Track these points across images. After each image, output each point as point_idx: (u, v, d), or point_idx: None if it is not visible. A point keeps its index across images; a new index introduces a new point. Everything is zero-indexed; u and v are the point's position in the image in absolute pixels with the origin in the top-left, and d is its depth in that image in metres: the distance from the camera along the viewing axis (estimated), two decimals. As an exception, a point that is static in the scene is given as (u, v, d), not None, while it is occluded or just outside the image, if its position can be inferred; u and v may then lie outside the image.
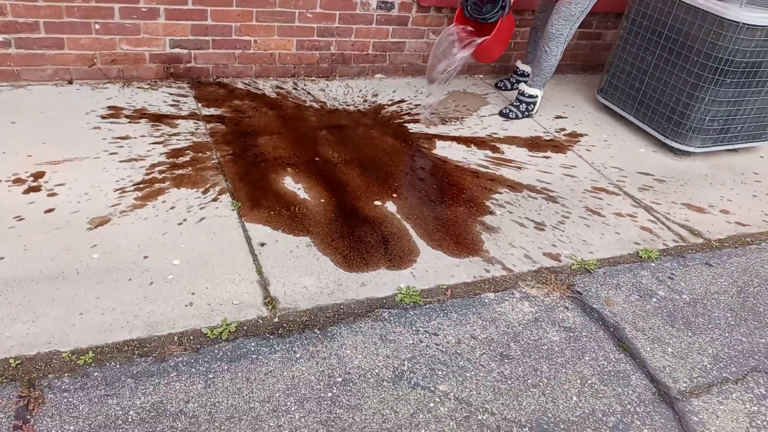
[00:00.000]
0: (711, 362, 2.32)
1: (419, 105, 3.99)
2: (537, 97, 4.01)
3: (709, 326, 2.50)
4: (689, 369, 2.28)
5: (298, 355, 2.07)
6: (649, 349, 2.34)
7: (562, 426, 1.98)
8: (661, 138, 3.88)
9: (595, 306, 2.50)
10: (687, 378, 2.23)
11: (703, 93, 3.62)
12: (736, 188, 3.60)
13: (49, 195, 2.64)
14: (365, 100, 3.95)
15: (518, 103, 4.04)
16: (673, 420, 2.07)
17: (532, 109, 4.05)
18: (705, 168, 3.78)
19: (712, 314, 2.56)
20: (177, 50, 3.72)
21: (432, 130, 3.71)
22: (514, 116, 4.01)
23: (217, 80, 3.89)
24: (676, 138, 3.80)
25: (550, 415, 2.01)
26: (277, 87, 3.93)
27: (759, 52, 3.52)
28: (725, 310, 2.60)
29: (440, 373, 2.09)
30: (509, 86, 4.43)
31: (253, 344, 2.09)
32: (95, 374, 1.91)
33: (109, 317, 2.10)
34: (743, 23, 3.35)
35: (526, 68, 4.29)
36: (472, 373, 2.11)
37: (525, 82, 4.06)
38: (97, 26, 3.47)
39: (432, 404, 1.98)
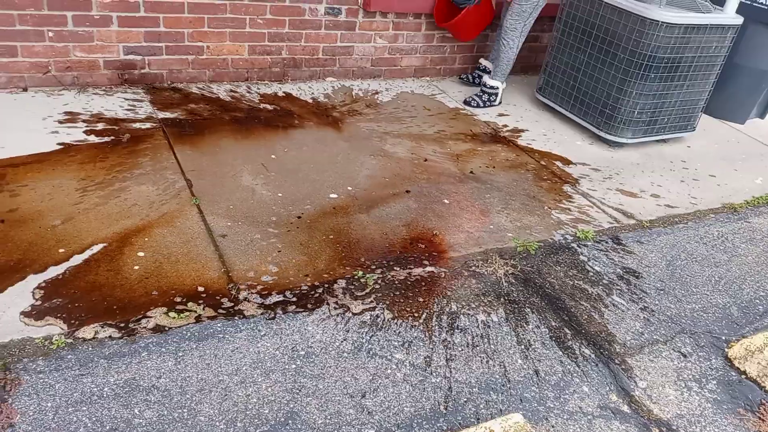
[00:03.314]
0: (643, 326, 2.56)
1: (369, 105, 4.18)
2: (498, 88, 4.34)
3: (641, 296, 2.73)
4: (623, 333, 2.50)
5: (262, 333, 2.21)
6: (586, 317, 2.55)
7: (508, 386, 2.17)
8: (596, 131, 4.16)
9: (537, 281, 2.71)
10: (621, 340, 2.46)
11: (630, 87, 3.91)
12: (665, 175, 3.89)
13: (11, 196, 2.70)
14: (316, 101, 4.11)
15: (481, 94, 4.38)
16: (609, 376, 2.28)
17: (494, 100, 4.38)
18: (637, 157, 4.07)
19: (643, 285, 2.80)
20: (131, 56, 3.80)
21: (383, 128, 3.89)
22: (475, 104, 4.39)
23: (172, 85, 3.98)
24: (609, 130, 4.09)
25: (497, 376, 2.20)
26: (231, 91, 4.05)
27: (679, 48, 3.84)
28: (655, 281, 2.84)
29: (396, 343, 2.25)
30: (471, 80, 4.75)
31: (219, 325, 2.21)
32: (69, 357, 2.00)
33: (78, 305, 2.19)
34: (663, 22, 3.66)
35: (488, 64, 4.61)
36: (425, 342, 2.28)
37: (488, 75, 4.38)
38: (50, 34, 3.53)
39: (389, 370, 2.14)
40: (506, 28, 4.14)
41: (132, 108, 3.62)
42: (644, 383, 2.28)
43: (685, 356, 2.44)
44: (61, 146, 3.13)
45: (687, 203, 3.59)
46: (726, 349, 2.51)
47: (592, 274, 2.82)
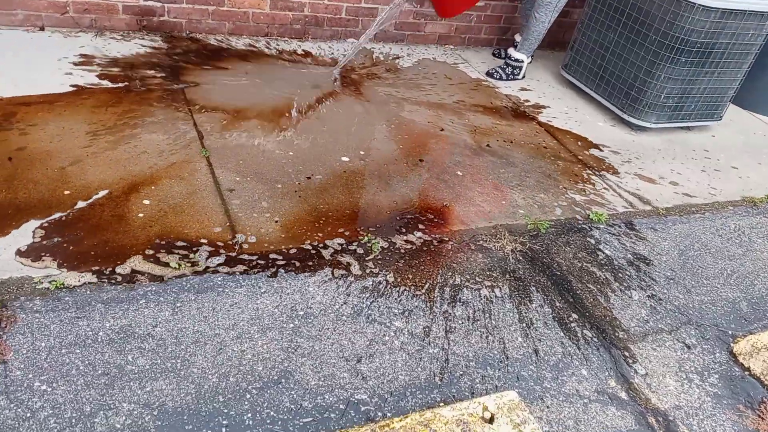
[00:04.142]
0: (649, 314, 2.51)
1: (389, 70, 4.09)
2: (523, 61, 4.24)
3: (650, 283, 2.68)
4: (628, 319, 2.45)
5: (263, 290, 2.18)
6: (591, 300, 2.51)
7: (505, 362, 2.14)
8: (619, 113, 4.05)
9: (545, 260, 2.66)
10: (625, 327, 2.41)
11: (659, 70, 3.79)
12: (686, 163, 3.79)
13: (20, 134, 2.68)
14: (336, 62, 4.03)
15: (505, 66, 4.27)
16: (609, 362, 2.24)
17: (518, 73, 4.28)
18: (659, 143, 3.97)
19: (652, 272, 2.75)
20: (150, 2, 3.73)
21: (401, 94, 3.81)
22: (498, 77, 4.28)
23: (190, 35, 3.92)
24: (633, 113, 3.98)
25: (495, 352, 2.17)
26: (250, 45, 3.98)
27: (713, 34, 3.70)
28: (666, 269, 2.78)
29: (396, 311, 2.22)
30: (504, 54, 4.62)
31: (219, 279, 2.19)
32: (66, 298, 1.99)
33: (79, 248, 2.18)
34: (699, 4, 3.52)
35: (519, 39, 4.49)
36: (425, 312, 2.25)
37: (514, 47, 4.27)
38: (70, -27, 3.47)
39: (387, 338, 2.11)
40: (541, 1, 4.01)
41: (150, 53, 3.56)
42: (644, 371, 2.24)
43: (689, 348, 2.40)
44: (74, 88, 3.10)
45: (706, 193, 3.50)
46: (731, 344, 2.46)
47: (601, 257, 2.76)
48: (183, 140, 2.89)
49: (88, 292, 2.03)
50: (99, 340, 1.88)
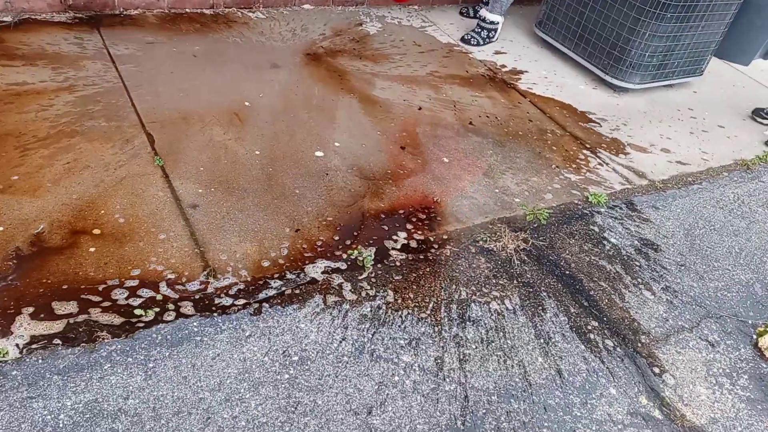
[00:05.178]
0: (667, 311, 2.32)
1: (353, 39, 3.71)
2: (498, 23, 3.95)
3: (662, 273, 2.49)
4: (647, 319, 2.26)
5: (247, 334, 1.88)
6: (606, 301, 2.30)
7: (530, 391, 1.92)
8: (601, 74, 3.80)
9: (551, 258, 2.43)
10: (646, 329, 2.22)
11: (643, 28, 3.53)
12: (674, 125, 3.59)
13: (-67, 157, 2.25)
14: (294, 34, 3.62)
15: (479, 30, 3.96)
16: (636, 374, 2.05)
17: (494, 36, 4.00)
18: (643, 104, 3.75)
19: (662, 260, 2.56)
20: (75, -22, 3.23)
21: (370, 68, 3.46)
22: (475, 42, 3.96)
23: (125, 13, 3.44)
24: (616, 74, 3.73)
25: (516, 379, 1.94)
26: (193, 21, 3.53)
27: (699, -15, 3.45)
28: (675, 255, 2.60)
29: (402, 342, 1.96)
30: (473, 14, 4.31)
31: (195, 324, 1.88)
32: (14, 373, 1.65)
33: (22, 303, 1.82)
34: (688, -45, 3.25)
35: None
36: (434, 339, 2.00)
37: (486, 8, 3.95)
38: (-27, -52, 2.94)
39: (397, 378, 1.85)
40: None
41: (78, 41, 3.10)
42: (673, 381, 2.06)
43: (712, 345, 2.23)
44: (-6, 91, 2.64)
45: (699, 159, 3.32)
46: (755, 336, 2.30)
47: (608, 247, 2.55)
48: (130, 147, 2.50)
49: (40, 361, 1.69)
50: (61, 425, 1.56)
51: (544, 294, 2.26)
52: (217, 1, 3.66)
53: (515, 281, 2.28)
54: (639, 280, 2.42)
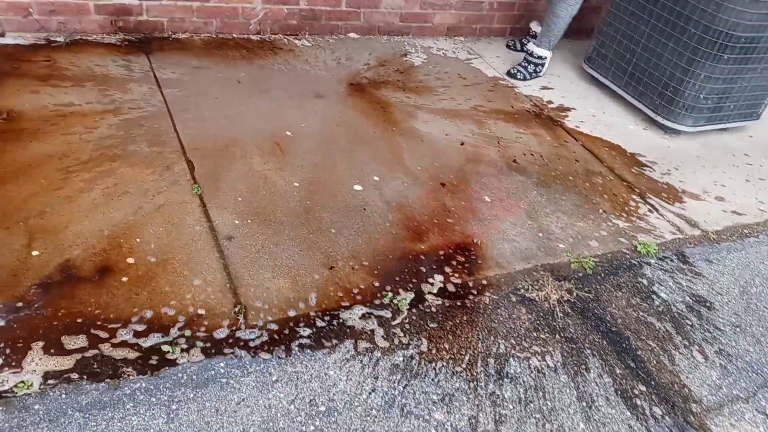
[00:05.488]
0: (720, 376, 2.17)
1: (398, 70, 3.67)
2: (546, 58, 3.87)
3: (715, 334, 2.34)
4: (699, 385, 2.11)
5: (274, 378, 1.81)
6: (655, 362, 2.16)
7: (569, 457, 1.80)
8: (652, 114, 3.67)
9: (596, 311, 2.31)
10: (697, 396, 2.07)
11: (699, 68, 3.40)
12: (728, 171, 3.43)
13: (-24, 176, 2.26)
14: (338, 63, 3.60)
15: (526, 64, 3.87)
16: (684, 445, 1.91)
17: (540, 71, 3.91)
18: (696, 148, 3.60)
19: (716, 320, 2.41)
20: (127, 0, 3.27)
21: (413, 101, 3.40)
22: (522, 77, 3.87)
23: (173, 36, 3.46)
24: (668, 115, 3.60)
25: (556, 444, 1.83)
26: (240, 46, 3.53)
27: (759, 27, 3.31)
28: (729, 314, 2.44)
29: (434, 397, 1.87)
30: (519, 47, 4.23)
31: (222, 365, 1.82)
32: (36, 407, 1.61)
33: (50, 334, 1.79)
34: (750, -3, 3.12)
35: (538, 29, 4.07)
36: (469, 396, 1.89)
37: (533, 42, 3.87)
38: (31, -30, 3.00)
39: (428, 436, 1.76)
40: (559, -7, 3.59)
41: (126, 63, 3.12)
42: (726, 455, 1.91)
43: (769, 417, 2.07)
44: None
45: (755, 209, 3.15)
46: (816, 410, 2.13)
47: (658, 303, 2.41)
48: (170, 174, 2.48)
49: (63, 396, 1.65)
50: (77, 468, 1.51)
51: (588, 351, 2.14)
52: (263, 27, 3.67)
53: (557, 336, 2.17)
54: (690, 340, 2.28)
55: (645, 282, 2.50)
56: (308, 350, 1.91)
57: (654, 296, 2.44)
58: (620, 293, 2.42)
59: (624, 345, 2.19)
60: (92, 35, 3.28)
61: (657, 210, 2.96)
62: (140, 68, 3.10)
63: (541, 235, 2.62)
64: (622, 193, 3.02)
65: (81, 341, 1.78)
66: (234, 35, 3.63)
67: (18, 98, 2.70)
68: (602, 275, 2.48)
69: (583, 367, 2.07)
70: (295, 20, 3.73)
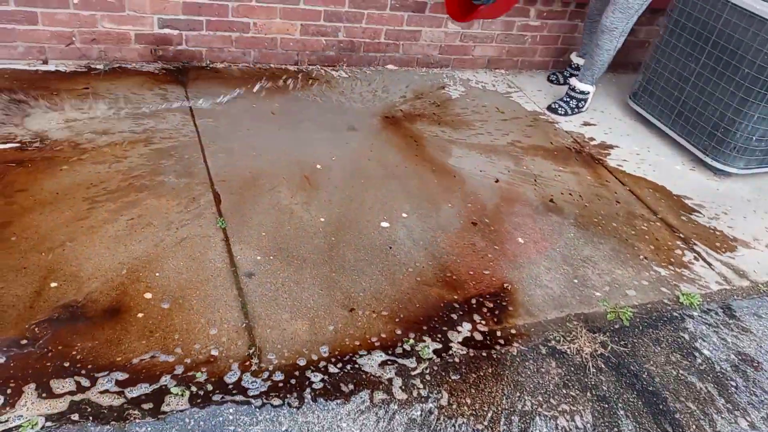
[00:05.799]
0: (767, 447, 1.99)
1: (434, 103, 3.61)
2: (588, 93, 3.74)
3: (762, 398, 2.16)
4: (742, 455, 1.95)
5: (284, 429, 1.73)
6: (694, 427, 2.00)
7: None
8: (700, 155, 3.50)
9: (632, 368, 2.16)
10: (740, 468, 1.91)
11: (752, 110, 3.23)
12: (782, 218, 3.23)
13: (6, 203, 2.27)
14: (374, 95, 3.56)
15: (568, 99, 3.75)
16: None
17: (583, 106, 3.78)
18: (747, 192, 3.41)
19: (763, 382, 2.22)
20: (166, 30, 3.31)
21: (448, 135, 3.32)
22: (563, 112, 3.75)
23: (211, 65, 3.49)
24: (718, 156, 3.42)
25: None
26: (277, 77, 3.53)
27: (819, 68, 3.13)
28: (779, 376, 2.26)
29: (453, 456, 1.76)
30: (562, 80, 4.11)
31: (231, 410, 1.75)
32: (37, 449, 1.57)
33: (60, 371, 1.75)
34: (809, 36, 2.95)
35: (581, 61, 3.96)
36: (491, 456, 1.78)
37: (576, 76, 3.75)
38: (75, 0, 3.05)
39: (443, 501, 1.65)
40: (606, 26, 3.47)
41: (163, 92, 3.14)
42: None
43: (823, 497, 1.88)
44: (72, 139, 2.68)
45: (811, 260, 2.94)
46: None
47: (700, 361, 2.25)
48: (196, 206, 2.46)
49: (67, 438, 1.60)
50: None
51: (622, 413, 1.99)
52: (301, 58, 3.67)
53: (589, 393, 2.03)
54: (734, 404, 2.11)
55: (687, 337, 2.34)
56: (321, 399, 1.83)
57: (696, 353, 2.28)
58: (659, 348, 2.26)
59: (661, 407, 2.04)
60: (131, 63, 3.32)
61: (703, 257, 2.79)
62: (176, 97, 3.12)
63: (576, 281, 2.49)
64: (665, 239, 2.86)
65: (93, 380, 1.74)
66: (272, 65, 3.63)
67: (54, 125, 2.73)
68: (640, 328, 2.33)
69: (615, 429, 1.93)
70: (333, 51, 3.72)
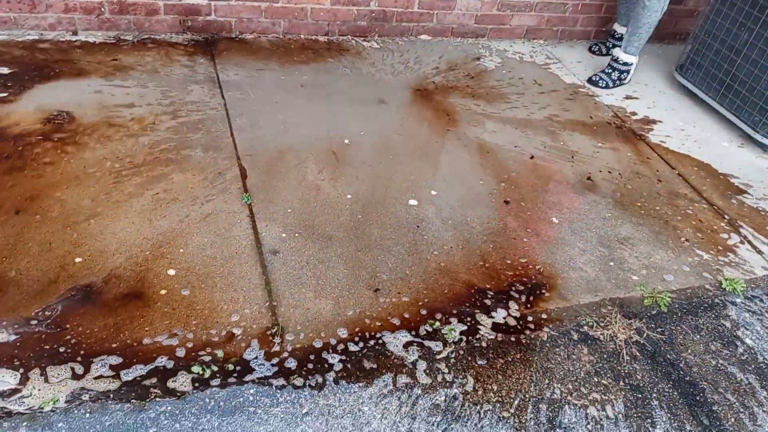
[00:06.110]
0: (812, 444, 1.89)
1: (468, 75, 3.49)
2: (632, 64, 3.58)
3: (809, 391, 2.04)
4: (784, 451, 1.85)
5: (305, 411, 1.70)
6: (733, 420, 1.90)
7: None
8: (750, 131, 3.31)
9: (669, 356, 2.06)
10: (782, 465, 1.81)
11: (809, 82, 3.03)
12: (836, 199, 3.04)
13: (34, 177, 2.27)
14: (407, 67, 3.45)
15: (610, 71, 3.59)
16: None
17: (625, 78, 3.62)
18: (799, 170, 3.22)
19: (811, 373, 2.11)
20: (195, 1, 3.25)
21: (482, 108, 3.21)
22: (604, 85, 3.59)
23: (240, 37, 3.43)
24: (769, 133, 3.24)
25: None
26: (307, 48, 3.45)
27: None
28: (828, 368, 2.13)
29: (477, 445, 1.70)
30: (604, 51, 3.94)
31: (252, 391, 1.73)
32: (59, 425, 1.58)
33: (82, 347, 1.75)
34: None
35: (622, 30, 3.77)
36: (516, 445, 1.72)
37: (619, 47, 3.58)
38: (103, -30, 3.02)
39: (465, 490, 1.60)
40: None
41: (191, 64, 3.10)
42: None
43: None
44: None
45: None
46: None
47: (741, 350, 2.14)
48: (222, 180, 2.42)
49: (87, 416, 1.60)
50: (91, 496, 1.45)
51: (656, 403, 1.90)
52: (332, 28, 3.58)
53: (622, 382, 1.95)
54: (778, 397, 2.00)
55: (728, 325, 2.23)
56: (343, 381, 1.79)
57: (738, 342, 2.17)
58: (698, 336, 2.16)
59: (698, 398, 1.94)
60: (161, 34, 3.29)
61: (749, 241, 2.65)
62: (204, 69, 3.08)
63: (612, 264, 2.39)
64: (709, 220, 2.72)
65: (115, 358, 1.74)
66: (302, 36, 3.55)
67: (82, 97, 2.72)
68: (679, 314, 2.23)
69: (649, 420, 1.85)
70: (365, 21, 3.62)
